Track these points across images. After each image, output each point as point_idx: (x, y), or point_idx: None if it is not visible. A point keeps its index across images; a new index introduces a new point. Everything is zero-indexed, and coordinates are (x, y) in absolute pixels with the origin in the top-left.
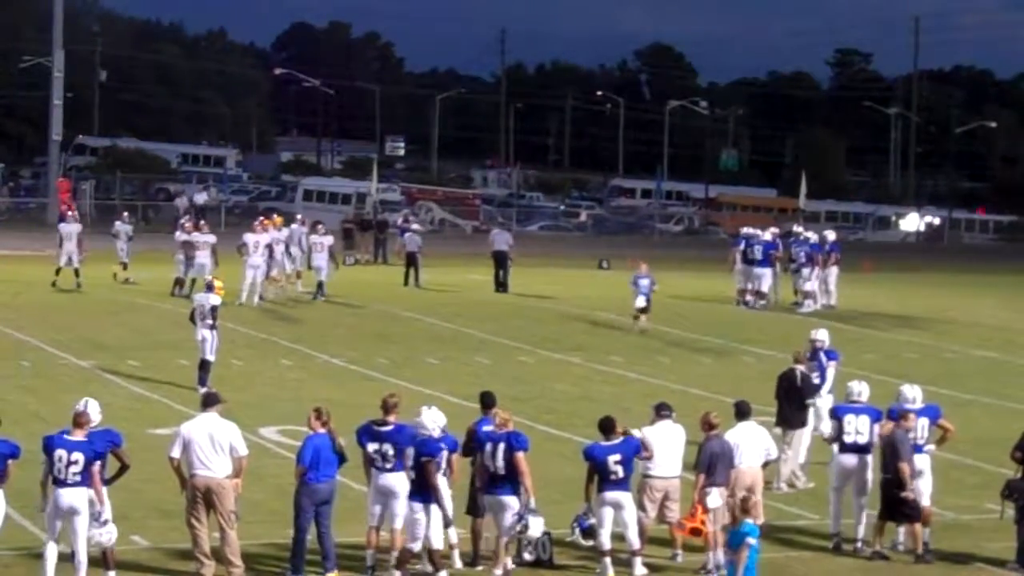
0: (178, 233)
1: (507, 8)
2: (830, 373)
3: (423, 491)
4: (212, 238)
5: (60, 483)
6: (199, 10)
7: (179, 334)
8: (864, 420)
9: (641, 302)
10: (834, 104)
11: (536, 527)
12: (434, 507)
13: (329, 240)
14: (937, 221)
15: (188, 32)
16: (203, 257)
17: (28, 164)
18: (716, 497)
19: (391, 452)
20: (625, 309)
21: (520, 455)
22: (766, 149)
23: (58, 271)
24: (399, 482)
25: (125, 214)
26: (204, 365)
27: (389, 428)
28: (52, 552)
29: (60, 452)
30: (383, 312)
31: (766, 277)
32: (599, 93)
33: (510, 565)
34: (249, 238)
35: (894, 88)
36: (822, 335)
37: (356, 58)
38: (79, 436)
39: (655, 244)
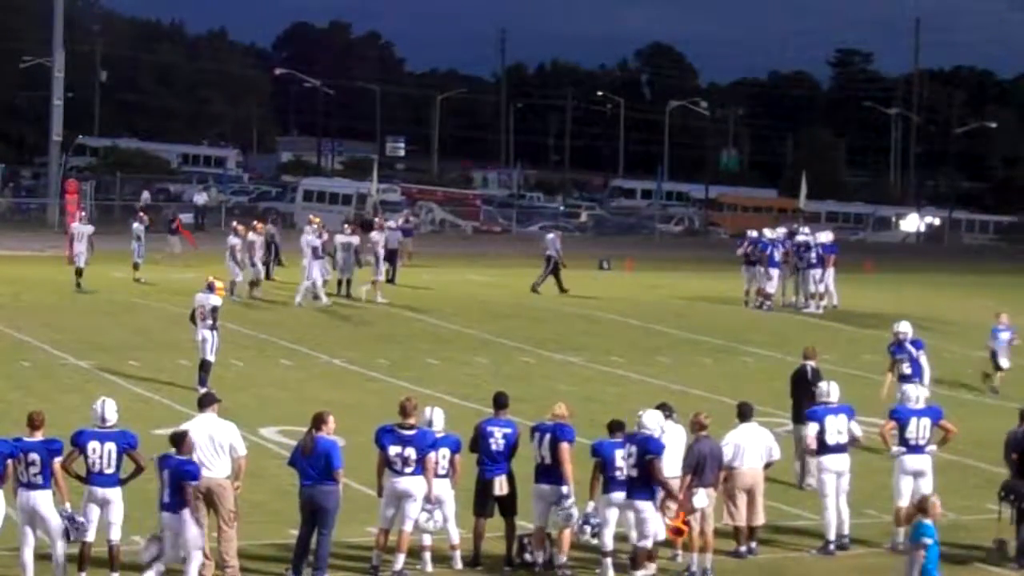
0: (231, 238)
1: (507, 8)
2: (924, 362)
3: (648, 488)
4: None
5: (24, 485)
6: (199, 10)
7: (179, 334)
8: (843, 419)
9: (1004, 362)
10: (834, 104)
11: (577, 515)
12: (650, 504)
13: (355, 240)
14: (937, 221)
15: (188, 32)
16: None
17: (29, 164)
18: (703, 497)
19: (413, 456)
20: (626, 309)
21: (565, 446)
22: (766, 149)
23: (78, 272)
24: (417, 486)
25: (140, 214)
26: (204, 365)
27: (413, 432)
28: (29, 556)
29: (19, 454)
30: (383, 312)
31: (761, 277)
32: (599, 93)
33: (562, 559)
34: (302, 240)
35: (894, 88)
36: (904, 327)
37: (356, 58)
38: (37, 437)
39: (655, 245)
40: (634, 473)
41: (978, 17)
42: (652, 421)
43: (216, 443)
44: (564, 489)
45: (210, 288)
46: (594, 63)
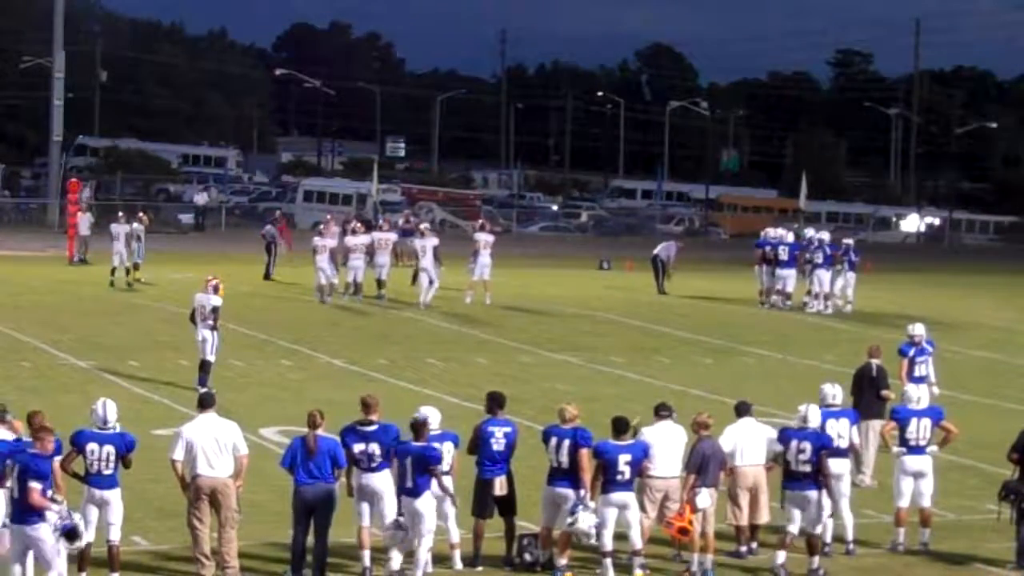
0: (334, 239)
1: (507, 8)
2: (930, 362)
3: (817, 480)
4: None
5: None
6: (200, 10)
7: (179, 334)
8: (844, 423)
9: None
10: (835, 105)
11: (586, 521)
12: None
13: (394, 236)
14: (937, 222)
15: (189, 32)
16: None
17: (29, 165)
18: (706, 497)
19: (377, 452)
20: (626, 309)
21: (585, 451)
22: (766, 150)
23: (113, 271)
24: (384, 481)
25: (140, 214)
26: (204, 366)
27: (375, 428)
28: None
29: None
30: (383, 313)
31: (791, 278)
32: (600, 94)
33: (563, 561)
34: (416, 243)
35: (895, 89)
36: (920, 329)
37: (357, 58)
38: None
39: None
40: (807, 468)
41: (978, 17)
42: (816, 416)
43: (219, 443)
44: (581, 492)
45: (213, 289)
46: (594, 63)
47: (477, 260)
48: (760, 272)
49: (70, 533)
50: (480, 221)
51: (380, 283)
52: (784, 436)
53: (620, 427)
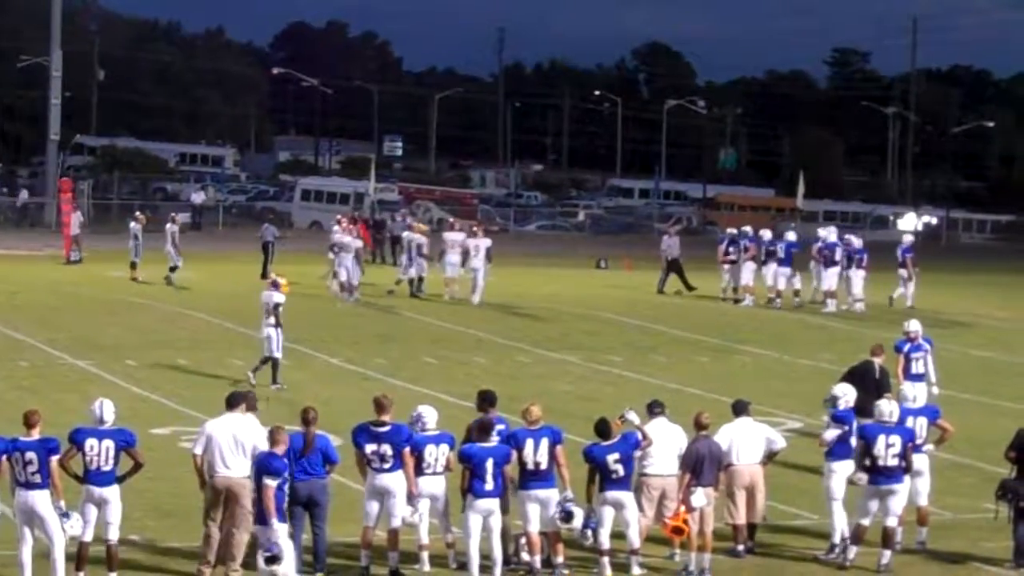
0: (339, 236)
1: (506, 7)
2: (930, 360)
3: (903, 472)
4: None
5: (22, 485)
6: (197, 9)
7: (177, 333)
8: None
9: None
10: (832, 103)
11: (578, 518)
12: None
13: (421, 239)
14: (934, 221)
15: (186, 32)
16: None
17: (26, 164)
18: (701, 496)
19: (389, 452)
20: (623, 308)
21: (560, 448)
22: (764, 148)
23: (173, 269)
24: (396, 482)
25: (137, 213)
26: (274, 364)
27: (387, 428)
28: (27, 555)
29: (15, 454)
30: (381, 312)
31: (781, 276)
32: (597, 92)
33: (559, 559)
34: (469, 243)
35: (892, 87)
36: (915, 325)
37: (354, 57)
38: (33, 436)
39: (653, 244)
40: (896, 462)
41: (975, 16)
42: (897, 412)
43: (238, 443)
44: (567, 494)
45: (275, 285)
46: (592, 62)
47: (444, 259)
48: (722, 269)
49: (272, 557)
50: (450, 220)
51: (412, 281)
52: (869, 432)
53: (602, 431)
